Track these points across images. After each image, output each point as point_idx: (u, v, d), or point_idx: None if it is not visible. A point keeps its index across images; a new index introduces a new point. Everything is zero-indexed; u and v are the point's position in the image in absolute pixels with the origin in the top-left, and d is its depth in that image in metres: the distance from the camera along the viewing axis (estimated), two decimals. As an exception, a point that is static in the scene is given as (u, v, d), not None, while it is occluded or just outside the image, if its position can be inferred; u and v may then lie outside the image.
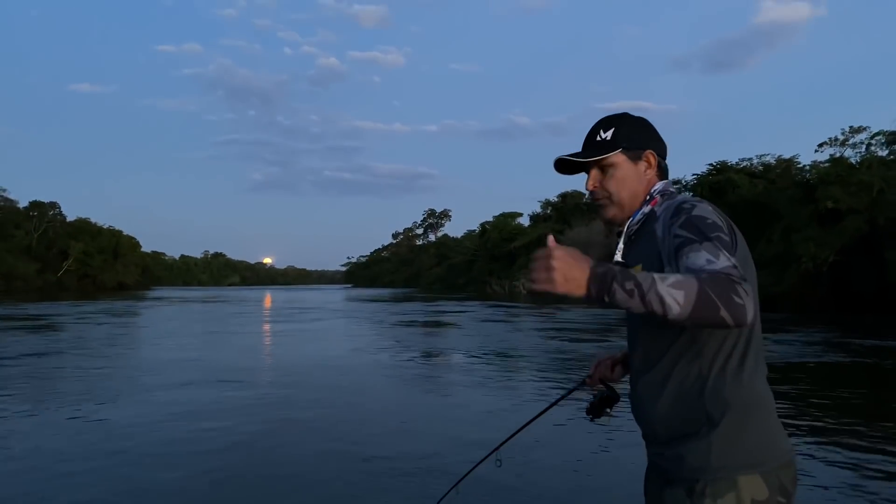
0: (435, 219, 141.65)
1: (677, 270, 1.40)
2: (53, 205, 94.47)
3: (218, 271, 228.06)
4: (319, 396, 8.56)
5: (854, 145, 35.19)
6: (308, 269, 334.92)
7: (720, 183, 42.99)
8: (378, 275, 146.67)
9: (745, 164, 45.37)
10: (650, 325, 1.55)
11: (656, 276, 1.28)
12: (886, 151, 33.53)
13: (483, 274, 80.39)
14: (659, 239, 1.52)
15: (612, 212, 1.70)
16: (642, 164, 1.68)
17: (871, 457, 5.55)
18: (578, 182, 1.70)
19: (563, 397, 2.13)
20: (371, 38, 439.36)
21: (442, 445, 6.01)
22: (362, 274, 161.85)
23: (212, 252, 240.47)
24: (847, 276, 29.44)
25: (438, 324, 24.11)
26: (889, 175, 30.24)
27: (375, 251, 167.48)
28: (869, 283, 28.70)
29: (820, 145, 36.70)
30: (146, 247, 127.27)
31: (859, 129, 35.02)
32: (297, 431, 6.61)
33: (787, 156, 43.12)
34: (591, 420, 1.98)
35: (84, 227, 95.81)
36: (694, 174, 46.79)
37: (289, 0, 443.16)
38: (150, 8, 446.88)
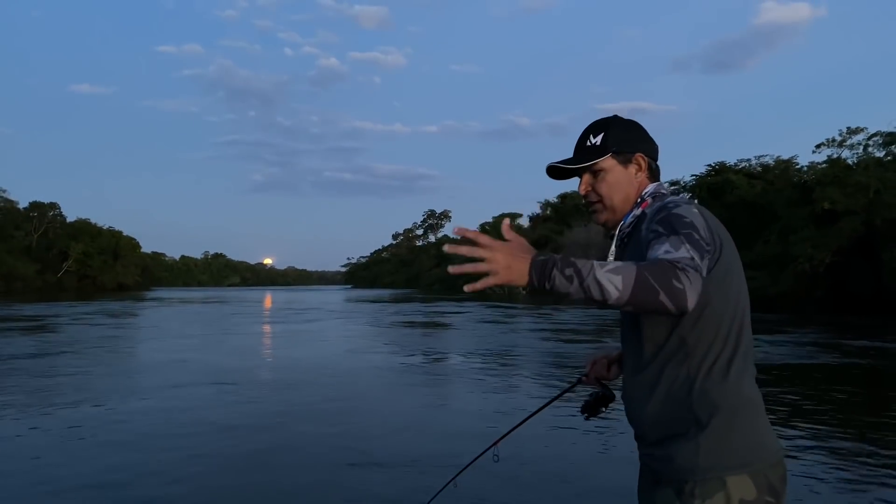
0: (435, 220, 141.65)
1: None
2: (53, 205, 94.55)
3: (218, 272, 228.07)
4: (316, 396, 8.60)
5: (851, 146, 35.22)
6: (308, 269, 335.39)
7: (718, 184, 43.05)
8: (378, 276, 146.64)
9: (743, 165, 45.44)
10: (641, 327, 1.57)
11: (596, 262, 1.31)
12: (883, 153, 33.57)
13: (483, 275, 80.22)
14: (642, 237, 1.54)
15: (604, 216, 1.73)
16: (633, 167, 1.70)
17: (865, 458, 5.57)
18: (577, 183, 1.75)
19: (559, 395, 2.16)
20: (371, 39, 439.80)
21: (439, 443, 6.08)
22: (362, 275, 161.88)
23: (212, 253, 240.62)
24: (844, 277, 29.50)
25: (436, 324, 24.17)
26: (886, 176, 30.29)
27: (375, 252, 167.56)
28: (866, 285, 28.76)
29: (817, 146, 36.74)
30: (146, 247, 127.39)
31: (857, 130, 35.05)
32: (293, 430, 6.62)
33: (785, 157, 43.21)
34: (587, 418, 2.01)
35: (84, 228, 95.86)
36: (692, 175, 46.91)
37: (289, 1, 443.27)
38: (151, 9, 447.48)
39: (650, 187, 1.69)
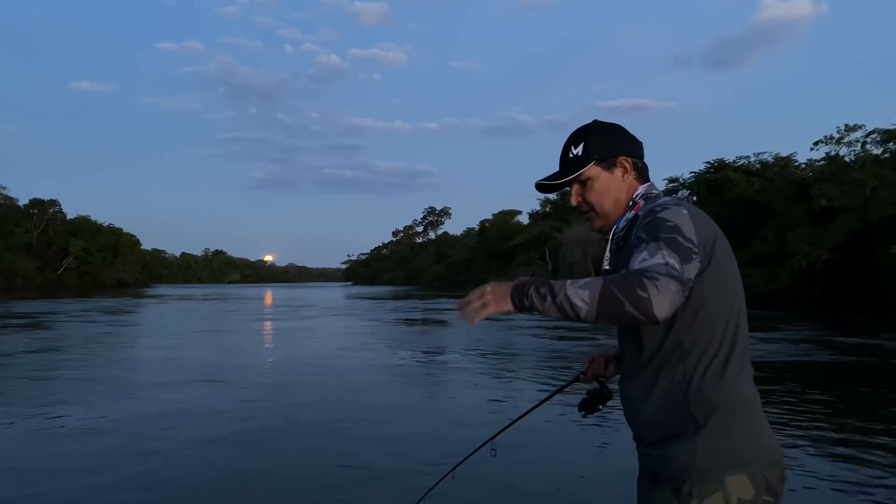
0: (435, 217, 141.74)
1: None
2: (53, 202, 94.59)
3: (218, 269, 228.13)
4: (310, 395, 8.63)
5: (849, 143, 35.21)
6: (309, 266, 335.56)
7: (717, 181, 43.05)
8: (378, 272, 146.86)
9: (742, 162, 45.42)
10: (638, 329, 1.58)
11: (569, 281, 1.38)
12: (881, 150, 33.57)
13: (482, 272, 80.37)
14: (631, 242, 1.56)
15: (598, 223, 1.74)
16: (618, 171, 1.69)
17: (862, 456, 5.58)
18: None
19: (557, 391, 2.18)
20: (372, 36, 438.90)
21: (435, 441, 6.10)
22: (362, 272, 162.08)
23: (212, 250, 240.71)
24: (841, 274, 29.52)
25: (434, 321, 24.24)
26: (882, 173, 30.30)
27: (376, 249, 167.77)
28: (862, 282, 28.79)
29: (815, 143, 36.72)
30: (146, 244, 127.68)
31: (855, 128, 35.04)
32: (288, 428, 6.62)
33: (785, 154, 43.21)
34: (584, 416, 2.03)
35: (84, 225, 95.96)
36: (692, 172, 46.87)
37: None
38: (151, 6, 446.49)
39: (641, 189, 1.70)
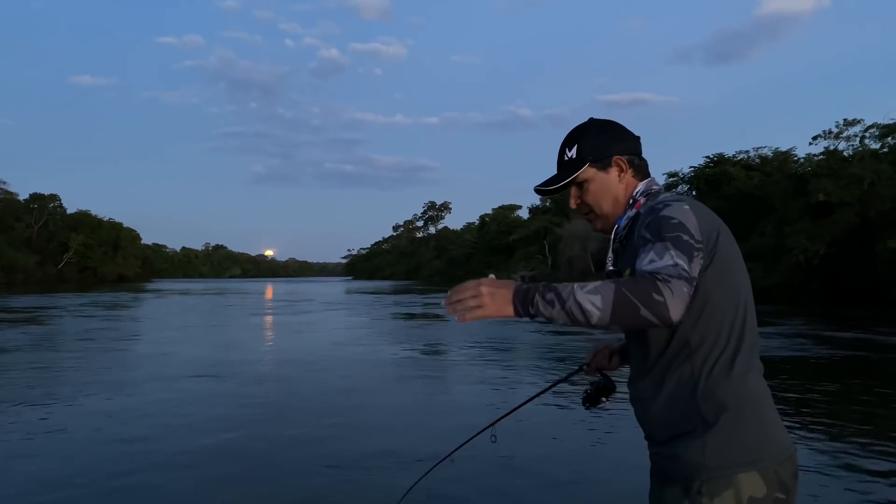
0: (435, 211, 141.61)
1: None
2: (53, 197, 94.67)
3: (219, 264, 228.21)
4: (307, 389, 8.70)
5: (848, 138, 35.22)
6: (309, 261, 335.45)
7: (716, 175, 43.08)
8: (378, 267, 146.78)
9: (742, 156, 45.44)
10: (642, 329, 1.56)
11: (576, 285, 1.32)
12: (879, 144, 33.58)
13: (482, 266, 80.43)
14: (634, 241, 1.54)
15: (599, 224, 1.73)
16: (614, 171, 1.68)
17: (858, 450, 5.60)
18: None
19: (560, 381, 2.18)
20: (373, 30, 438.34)
21: (435, 432, 6.16)
22: (363, 266, 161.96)
23: (213, 244, 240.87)
24: (838, 268, 29.57)
25: (433, 316, 24.32)
26: (881, 168, 30.31)
27: (376, 243, 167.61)
28: (860, 276, 28.84)
29: (814, 138, 36.70)
30: (147, 239, 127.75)
31: (853, 122, 35.03)
32: (280, 423, 6.65)
33: (785, 148, 43.24)
34: (587, 408, 2.02)
35: (84, 220, 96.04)
36: (691, 167, 46.91)
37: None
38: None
39: (640, 186, 1.68)
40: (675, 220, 1.45)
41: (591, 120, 1.75)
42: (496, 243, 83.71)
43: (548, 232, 69.94)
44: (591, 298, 1.29)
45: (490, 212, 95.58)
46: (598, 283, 1.32)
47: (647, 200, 1.63)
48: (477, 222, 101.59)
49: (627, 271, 1.55)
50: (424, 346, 14.09)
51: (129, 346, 14.14)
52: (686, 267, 1.36)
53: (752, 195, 38.29)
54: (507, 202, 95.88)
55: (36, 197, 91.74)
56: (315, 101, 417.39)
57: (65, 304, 29.31)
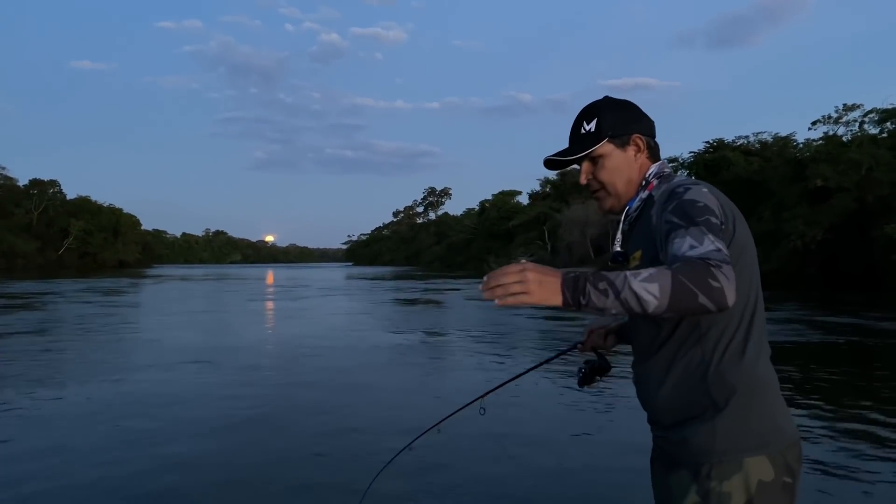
0: (435, 197, 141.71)
1: (666, 257, 1.40)
2: (53, 183, 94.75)
3: (219, 249, 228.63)
4: (305, 375, 8.82)
5: (847, 123, 35.25)
6: (310, 247, 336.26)
7: (716, 160, 43.11)
8: (378, 253, 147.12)
9: (741, 141, 45.45)
10: None
11: (629, 273, 1.27)
12: (878, 129, 33.59)
13: (482, 252, 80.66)
14: (654, 224, 1.51)
15: (609, 202, 1.69)
16: (631, 149, 1.65)
17: (857, 435, 5.61)
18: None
19: (554, 357, 2.17)
20: (373, 14, 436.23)
21: (427, 410, 6.23)
22: (363, 252, 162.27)
23: (213, 230, 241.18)
24: (836, 253, 29.69)
25: (430, 301, 24.46)
26: (879, 153, 30.35)
27: (376, 229, 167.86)
28: (857, 261, 28.97)
29: (813, 123, 36.75)
30: (147, 225, 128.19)
31: (853, 107, 35.03)
32: (274, 406, 6.74)
33: (785, 133, 43.27)
34: (582, 388, 2.01)
35: (84, 206, 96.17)
36: (690, 152, 46.95)
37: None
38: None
39: (653, 168, 1.66)
40: (700, 204, 1.43)
41: (608, 97, 1.72)
42: (496, 229, 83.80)
43: (547, 218, 69.97)
44: (648, 287, 1.24)
45: (490, 197, 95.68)
46: (651, 270, 1.27)
47: (659, 183, 1.62)
48: (477, 208, 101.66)
49: (638, 253, 1.57)
50: (426, 330, 14.15)
51: (128, 332, 14.11)
52: (726, 251, 1.33)
53: (750, 180, 38.33)
54: (507, 188, 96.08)
55: (36, 183, 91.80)
56: (315, 87, 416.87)
57: (61, 290, 29.39)
